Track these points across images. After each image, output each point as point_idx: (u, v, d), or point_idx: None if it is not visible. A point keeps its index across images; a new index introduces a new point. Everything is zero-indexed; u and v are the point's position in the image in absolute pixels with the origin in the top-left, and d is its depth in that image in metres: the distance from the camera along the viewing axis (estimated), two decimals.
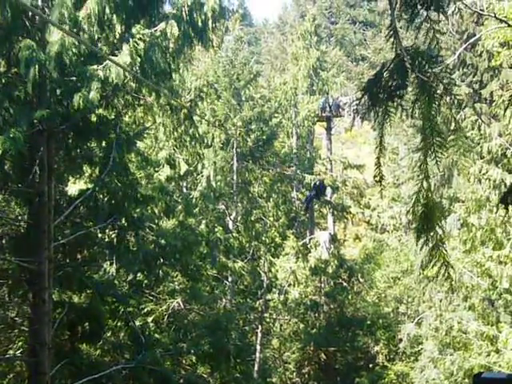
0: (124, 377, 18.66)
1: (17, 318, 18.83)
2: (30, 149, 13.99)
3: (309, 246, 33.69)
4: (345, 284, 33.07)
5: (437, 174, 23.01)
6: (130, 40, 13.41)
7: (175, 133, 22.02)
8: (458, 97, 4.64)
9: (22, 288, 17.14)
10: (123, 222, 17.36)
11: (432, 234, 4.67)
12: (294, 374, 33.26)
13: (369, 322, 33.22)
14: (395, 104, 4.57)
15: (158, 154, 23.71)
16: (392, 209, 41.69)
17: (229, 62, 29.91)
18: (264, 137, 29.90)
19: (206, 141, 26.42)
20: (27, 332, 17.44)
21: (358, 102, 4.71)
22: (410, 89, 4.58)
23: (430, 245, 4.71)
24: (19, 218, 17.48)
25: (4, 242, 16.75)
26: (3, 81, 13.60)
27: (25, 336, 18.54)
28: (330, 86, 37.63)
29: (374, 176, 4.79)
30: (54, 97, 13.67)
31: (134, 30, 13.70)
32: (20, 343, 19.61)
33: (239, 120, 28.44)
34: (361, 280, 33.67)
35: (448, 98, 4.48)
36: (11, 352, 19.73)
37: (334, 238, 35.66)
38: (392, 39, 4.49)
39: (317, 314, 33.32)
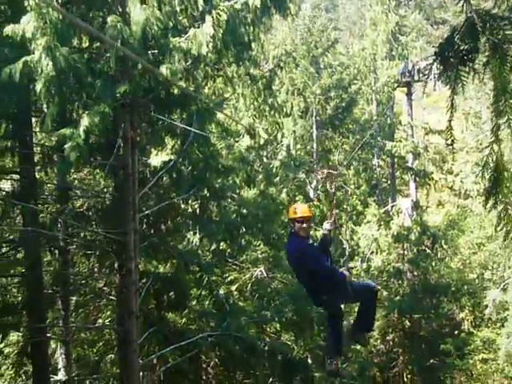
0: (210, 344, 19.05)
1: (105, 288, 19.44)
2: (113, 122, 14.28)
3: (391, 213, 33.47)
4: (428, 251, 32.69)
5: None
6: (213, 11, 13.53)
7: (255, 103, 22.13)
8: None
9: (109, 259, 17.64)
10: (205, 192, 17.62)
11: (500, 197, 4.64)
12: (378, 341, 33.22)
13: (453, 289, 32.80)
14: (467, 68, 4.54)
15: (238, 125, 23.84)
16: (475, 174, 40.84)
17: (306, 29, 29.78)
18: (343, 104, 29.74)
19: (285, 110, 26.42)
20: (115, 301, 17.98)
21: (430, 66, 4.71)
22: (482, 52, 4.54)
23: (499, 208, 4.68)
24: (105, 190, 17.94)
25: (91, 214, 17.23)
26: (86, 56, 13.88)
27: (113, 305, 19.14)
28: (410, 51, 36.98)
29: (446, 139, 4.79)
30: (136, 70, 13.89)
31: (215, 2, 13.85)
32: (108, 312, 20.26)
33: (318, 88, 28.32)
34: (444, 246, 33.17)
35: None
36: (100, 321, 20.44)
37: (416, 205, 35.27)
38: (462, 2, 4.46)
39: (400, 281, 33.11)
